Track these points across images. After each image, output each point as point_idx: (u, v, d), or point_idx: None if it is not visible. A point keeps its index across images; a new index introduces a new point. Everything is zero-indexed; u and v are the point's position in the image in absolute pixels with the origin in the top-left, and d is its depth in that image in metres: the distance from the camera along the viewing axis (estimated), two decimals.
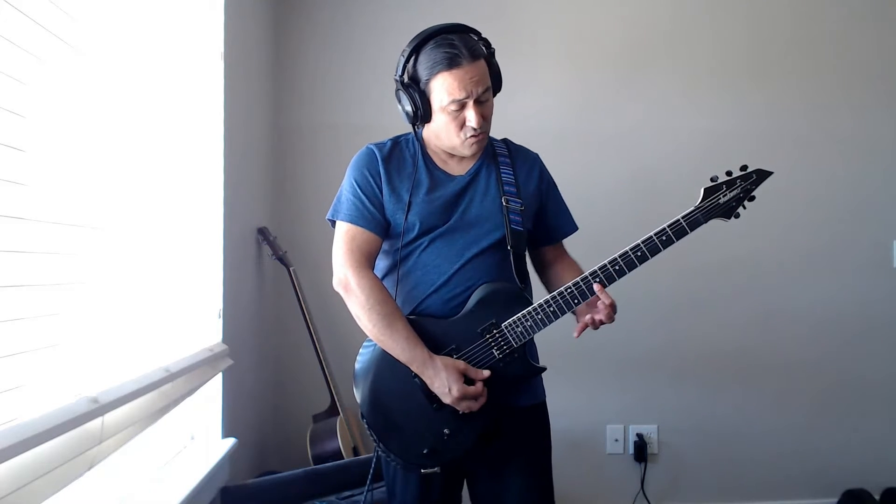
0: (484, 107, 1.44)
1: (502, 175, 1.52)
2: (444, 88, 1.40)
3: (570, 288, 1.42)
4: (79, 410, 1.08)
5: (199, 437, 2.02)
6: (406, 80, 1.45)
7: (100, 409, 1.15)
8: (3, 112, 1.04)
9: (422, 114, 1.44)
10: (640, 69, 2.87)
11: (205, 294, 1.99)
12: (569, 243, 1.70)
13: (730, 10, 2.90)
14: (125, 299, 1.46)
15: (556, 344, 2.76)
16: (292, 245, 2.63)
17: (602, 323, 1.42)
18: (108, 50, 1.39)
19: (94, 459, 1.15)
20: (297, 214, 2.75)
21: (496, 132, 2.68)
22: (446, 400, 1.37)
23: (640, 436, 2.81)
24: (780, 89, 2.89)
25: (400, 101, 1.48)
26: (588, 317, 1.43)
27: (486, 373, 1.40)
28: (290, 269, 2.51)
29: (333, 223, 1.51)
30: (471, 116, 1.42)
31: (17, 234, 1.07)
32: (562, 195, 1.66)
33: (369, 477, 1.53)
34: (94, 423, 1.15)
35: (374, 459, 1.52)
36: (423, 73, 1.42)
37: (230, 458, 2.01)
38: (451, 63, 1.39)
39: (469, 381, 1.39)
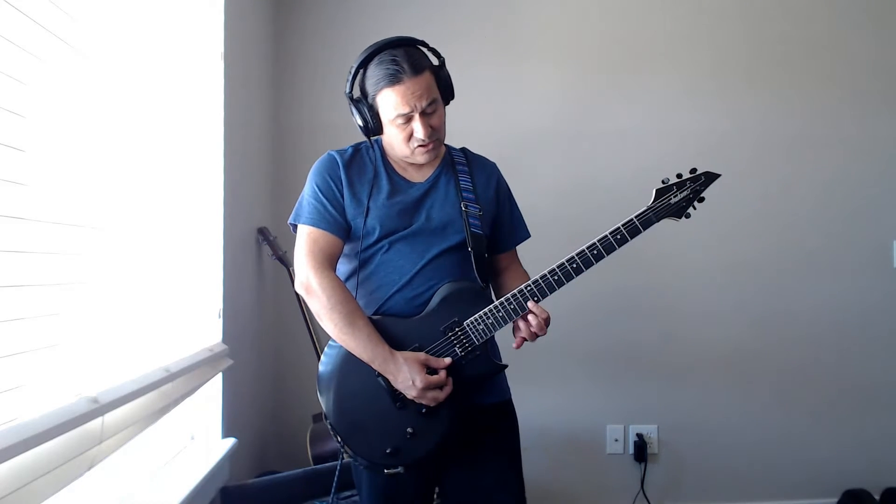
0: (432, 118, 1.47)
1: (461, 182, 1.56)
2: (389, 104, 1.44)
3: (529, 286, 1.46)
4: (79, 410, 1.08)
5: (199, 437, 2.02)
6: (355, 95, 1.49)
7: (100, 409, 1.15)
8: (3, 112, 1.04)
9: (372, 126, 1.48)
10: (639, 71, 2.87)
11: (205, 294, 1.99)
12: (563, 243, 1.68)
13: (728, 12, 2.90)
14: (125, 299, 1.46)
15: (556, 344, 2.77)
16: (292, 245, 2.62)
17: (536, 336, 1.47)
18: (108, 50, 1.39)
19: (94, 459, 1.15)
20: (287, 224, 2.74)
21: (496, 132, 2.69)
22: (411, 394, 1.39)
23: (640, 436, 2.81)
24: (778, 90, 2.89)
25: (353, 115, 1.51)
26: (525, 331, 1.47)
27: (447, 360, 1.42)
28: (290, 269, 2.51)
29: (294, 228, 1.55)
30: (417, 128, 1.45)
31: (17, 234, 1.07)
32: (517, 204, 1.69)
33: (333, 485, 1.56)
34: (94, 423, 1.15)
35: (339, 466, 1.54)
36: (369, 88, 1.46)
37: (230, 458, 2.01)
38: (392, 79, 1.42)
39: (432, 372, 1.41)
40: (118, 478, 1.52)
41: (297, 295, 2.48)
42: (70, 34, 1.23)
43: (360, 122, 1.49)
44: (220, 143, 2.06)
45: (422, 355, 1.42)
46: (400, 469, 1.42)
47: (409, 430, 1.42)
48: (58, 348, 1.18)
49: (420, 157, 1.50)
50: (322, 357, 1.51)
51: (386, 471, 1.43)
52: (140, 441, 1.45)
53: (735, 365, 2.85)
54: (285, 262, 2.51)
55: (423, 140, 1.46)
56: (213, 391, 2.03)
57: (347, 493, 2.02)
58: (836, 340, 2.87)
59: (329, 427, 1.46)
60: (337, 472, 1.54)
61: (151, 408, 1.41)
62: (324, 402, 1.46)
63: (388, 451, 1.42)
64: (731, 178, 2.87)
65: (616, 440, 2.83)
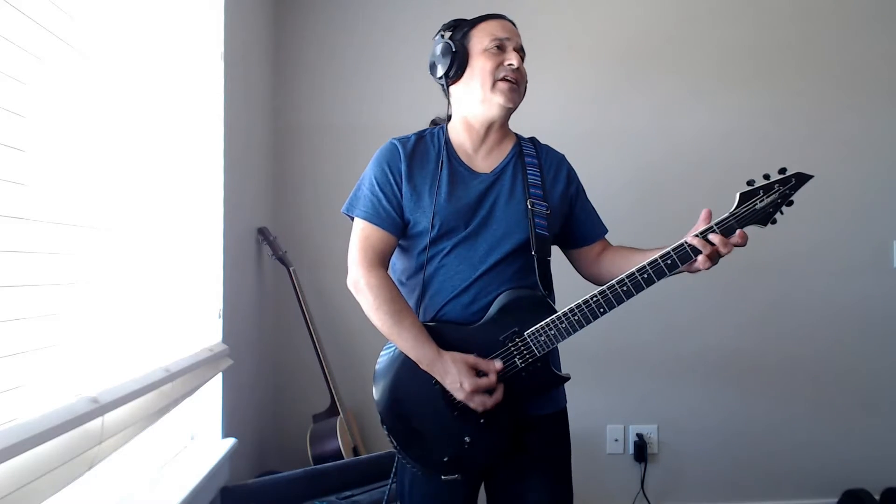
0: (521, 62, 1.45)
1: (529, 176, 1.47)
2: (485, 31, 1.44)
3: (595, 297, 1.37)
4: (79, 410, 1.08)
5: (199, 437, 2.02)
6: (445, 36, 1.47)
7: (100, 409, 1.14)
8: (3, 112, 1.04)
9: (460, 58, 1.43)
10: (644, 69, 2.87)
11: (205, 294, 1.99)
12: None
13: (734, 12, 2.90)
14: (125, 299, 1.46)
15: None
16: (292, 245, 2.63)
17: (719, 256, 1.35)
18: (108, 50, 1.39)
19: (94, 459, 1.15)
20: (297, 214, 2.75)
21: None
22: (459, 396, 1.33)
23: (640, 436, 2.81)
24: (782, 90, 2.89)
25: (435, 59, 1.47)
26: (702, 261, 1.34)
27: (499, 363, 1.35)
28: (290, 269, 2.51)
29: (350, 217, 1.49)
30: (510, 56, 1.42)
31: (17, 234, 1.07)
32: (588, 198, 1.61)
33: (392, 475, 1.52)
34: (94, 423, 1.15)
35: (396, 462, 1.48)
36: (464, 28, 1.46)
37: (230, 458, 2.01)
38: (494, 15, 1.47)
39: (481, 375, 1.35)
40: (118, 478, 1.52)
41: (298, 295, 2.50)
42: (70, 34, 1.23)
43: (446, 56, 1.43)
44: (220, 143, 2.05)
45: (471, 357, 1.35)
46: (458, 476, 1.39)
47: (466, 439, 1.37)
48: (58, 348, 1.18)
49: (501, 97, 1.42)
50: (379, 356, 1.46)
51: (443, 477, 1.39)
52: (140, 441, 1.45)
53: (735, 365, 2.85)
54: (285, 262, 2.51)
55: (515, 67, 1.41)
56: (213, 391, 2.03)
57: (348, 493, 2.02)
58: (837, 340, 2.87)
59: (385, 431, 1.42)
60: (394, 469, 1.50)
61: (151, 408, 1.41)
62: (378, 403, 1.42)
63: (445, 459, 1.38)
64: (731, 177, 2.88)
65: (616, 440, 2.83)
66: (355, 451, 2.44)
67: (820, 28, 2.92)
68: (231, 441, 2.04)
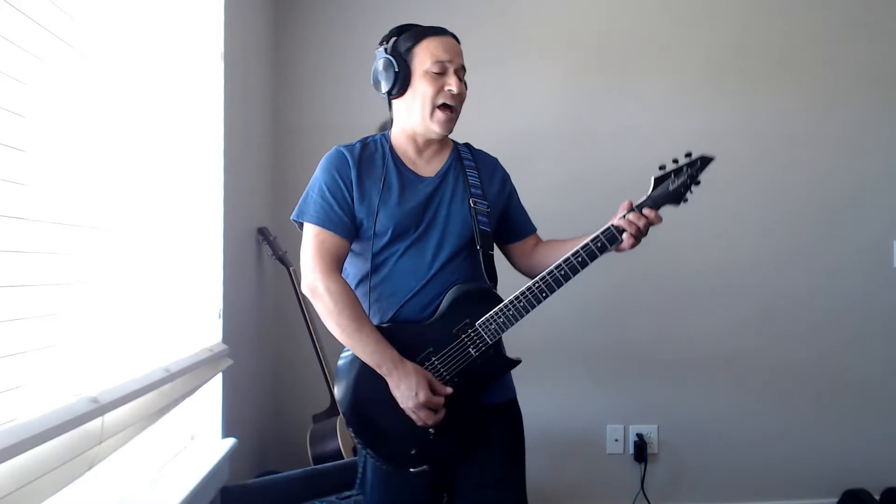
0: (460, 84, 1.48)
1: (469, 177, 1.55)
2: (428, 51, 1.46)
3: (537, 283, 1.45)
4: (79, 410, 1.08)
5: (199, 437, 2.02)
6: (389, 49, 1.50)
7: (100, 409, 1.14)
8: (3, 112, 1.04)
9: (402, 78, 1.46)
10: (637, 69, 2.87)
11: (205, 294, 1.99)
12: None
13: (727, 11, 2.90)
14: (125, 299, 1.46)
15: (556, 344, 2.77)
16: (292, 245, 2.63)
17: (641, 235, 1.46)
18: (108, 50, 1.39)
19: (94, 459, 1.15)
20: (291, 219, 2.74)
21: (496, 130, 2.69)
22: (408, 404, 1.38)
23: (640, 436, 2.81)
24: (778, 89, 2.89)
25: (378, 74, 1.50)
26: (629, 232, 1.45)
27: (449, 389, 1.41)
28: (290, 269, 2.51)
29: (299, 224, 1.52)
30: (451, 82, 1.46)
31: (17, 234, 1.07)
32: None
33: (357, 482, 1.55)
34: (94, 423, 1.15)
35: (363, 464, 1.53)
36: (409, 40, 1.48)
37: (230, 458, 2.01)
38: (438, 31, 1.49)
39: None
40: (118, 478, 1.52)
41: (298, 295, 2.50)
42: (70, 34, 1.23)
43: (389, 74, 1.47)
44: (220, 143, 2.06)
45: (429, 374, 1.41)
46: (426, 467, 1.42)
47: (431, 430, 1.41)
48: (58, 348, 1.18)
49: (437, 125, 1.48)
50: (338, 363, 1.49)
51: (412, 469, 1.42)
52: (140, 441, 1.45)
53: (735, 365, 2.85)
54: (285, 262, 2.51)
55: (454, 93, 1.46)
56: (213, 391, 2.03)
57: (348, 493, 2.02)
58: (836, 340, 2.87)
59: (350, 433, 1.46)
60: (359, 471, 1.53)
61: (151, 408, 1.41)
62: (341, 407, 1.45)
63: (413, 452, 1.42)
64: (730, 177, 2.89)
65: (616, 440, 2.83)
66: (355, 451, 2.44)
67: (816, 28, 2.91)
68: (231, 441, 2.04)
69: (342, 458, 2.30)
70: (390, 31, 1.54)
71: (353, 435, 1.45)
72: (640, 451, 2.79)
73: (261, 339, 2.54)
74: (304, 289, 1.46)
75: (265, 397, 2.62)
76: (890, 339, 2.88)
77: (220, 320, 2.03)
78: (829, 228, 2.88)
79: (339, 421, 2.44)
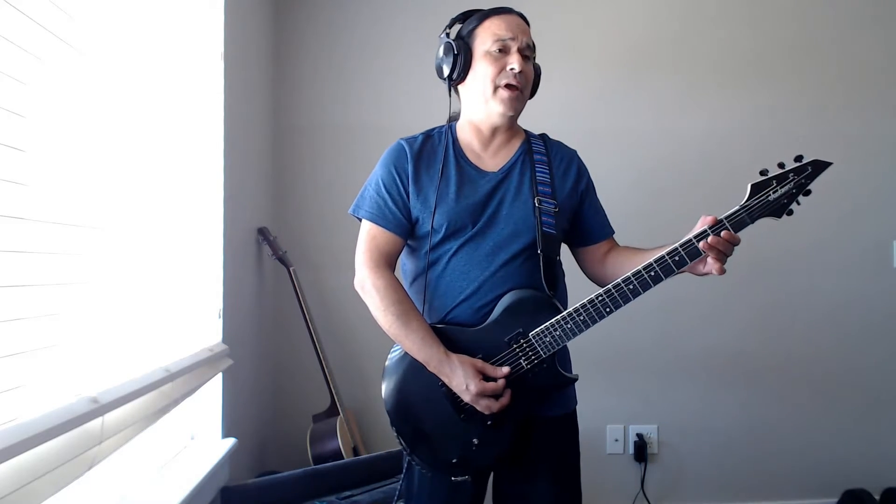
0: (526, 64, 1.40)
1: (537, 173, 1.45)
2: (489, 30, 1.40)
3: (601, 296, 1.34)
4: (79, 410, 1.08)
5: (199, 437, 2.02)
6: (450, 34, 1.45)
7: (100, 409, 1.14)
8: (3, 112, 1.04)
9: (463, 61, 1.41)
10: (644, 70, 2.87)
11: (205, 294, 1.99)
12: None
13: (729, 12, 2.90)
14: (125, 299, 1.46)
15: None
16: (292, 245, 2.63)
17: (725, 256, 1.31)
18: (108, 50, 1.39)
19: (94, 459, 1.15)
20: (297, 214, 2.75)
21: None
22: (465, 398, 1.33)
23: (640, 436, 2.81)
24: (781, 90, 2.89)
25: (439, 60, 1.45)
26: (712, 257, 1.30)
27: (505, 369, 1.34)
28: (290, 269, 2.51)
29: (356, 217, 1.48)
30: (513, 60, 1.37)
31: (17, 234, 1.07)
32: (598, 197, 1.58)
33: (399, 487, 1.53)
34: (94, 423, 1.15)
35: (405, 469, 1.49)
36: (471, 23, 1.43)
37: (230, 458, 2.01)
38: (501, 10, 1.42)
39: (488, 380, 1.34)
40: (118, 478, 1.52)
41: (298, 295, 2.50)
42: (70, 34, 1.23)
43: (448, 58, 1.42)
44: (220, 143, 2.05)
45: (478, 361, 1.34)
46: (467, 477, 1.39)
47: (475, 440, 1.37)
48: (58, 348, 1.18)
49: (500, 105, 1.39)
50: (386, 360, 1.46)
51: (453, 478, 1.39)
52: (140, 441, 1.45)
53: (735, 365, 2.85)
54: (285, 262, 2.51)
55: (516, 72, 1.37)
56: (213, 391, 2.03)
57: (348, 493, 2.02)
58: (837, 340, 2.87)
59: (394, 433, 1.42)
60: (402, 477, 1.51)
61: (151, 408, 1.41)
62: (386, 403, 1.42)
63: (454, 460, 1.38)
64: (730, 177, 2.88)
65: (616, 440, 2.83)
66: (355, 451, 2.44)
67: (820, 28, 2.91)
68: (231, 441, 2.04)
69: (342, 458, 2.30)
70: (453, 19, 1.47)
71: (395, 435, 1.41)
72: (640, 451, 2.79)
73: (261, 339, 2.54)
74: (356, 285, 1.43)
75: (265, 397, 2.62)
76: (890, 339, 2.88)
77: (220, 320, 2.03)
78: (829, 228, 2.88)
79: (339, 421, 2.44)
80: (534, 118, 2.96)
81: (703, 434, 2.84)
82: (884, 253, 2.90)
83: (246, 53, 2.37)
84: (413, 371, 1.39)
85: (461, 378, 1.32)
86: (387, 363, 1.45)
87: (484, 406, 1.33)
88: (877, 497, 2.69)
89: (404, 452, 1.44)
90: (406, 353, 1.40)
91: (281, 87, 2.79)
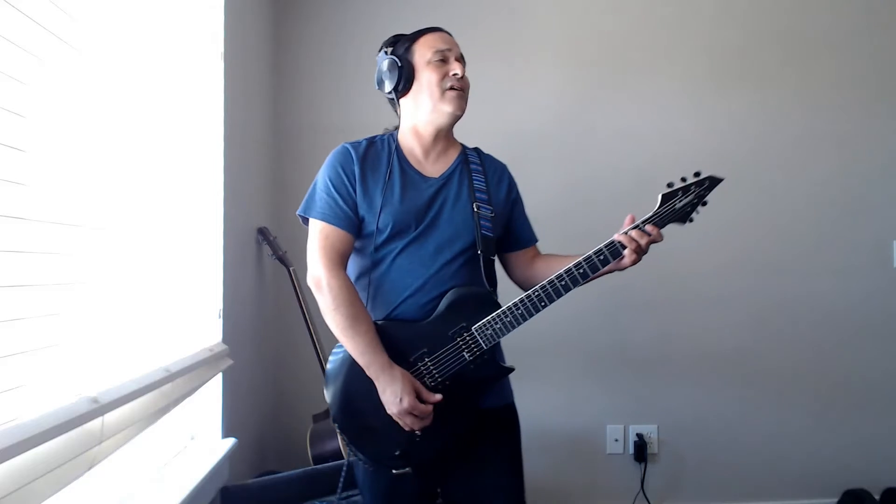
0: (464, 69, 1.52)
1: (474, 181, 1.55)
2: (426, 45, 1.51)
3: (537, 291, 1.45)
4: (79, 410, 1.08)
5: (199, 437, 2.02)
6: (388, 52, 1.54)
7: (100, 409, 1.14)
8: (3, 112, 1.04)
9: (406, 73, 1.50)
10: (638, 70, 2.87)
11: (205, 294, 1.99)
12: (565, 245, 1.70)
13: (727, 12, 2.90)
14: (125, 299, 1.46)
15: (556, 344, 2.77)
16: (292, 245, 2.63)
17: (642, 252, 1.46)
18: (108, 50, 1.39)
19: (94, 459, 1.15)
20: (297, 214, 2.74)
21: (496, 131, 2.68)
22: (392, 410, 1.38)
23: (640, 436, 2.81)
24: (778, 90, 2.89)
25: (382, 75, 1.54)
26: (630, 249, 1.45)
27: (438, 396, 1.41)
28: (290, 269, 2.51)
29: (304, 220, 1.54)
30: (454, 66, 1.50)
31: (17, 234, 1.07)
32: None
33: (339, 485, 1.55)
34: (94, 423, 1.15)
35: (346, 466, 1.53)
36: (403, 45, 1.53)
37: (230, 458, 2.01)
38: (433, 28, 1.56)
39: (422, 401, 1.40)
40: (118, 478, 1.52)
41: (298, 295, 2.50)
42: (70, 34, 1.23)
43: (393, 73, 1.51)
44: (220, 143, 2.06)
45: (417, 382, 1.41)
46: (408, 469, 1.42)
47: (417, 432, 1.41)
48: (58, 348, 1.18)
49: (450, 105, 1.50)
50: (330, 357, 1.50)
51: (394, 471, 1.43)
52: (140, 441, 1.45)
53: (735, 365, 2.85)
54: (285, 262, 2.51)
55: (459, 76, 1.49)
56: (213, 391, 2.03)
57: (348, 493, 2.02)
58: (836, 340, 2.88)
59: (336, 427, 1.46)
60: (343, 473, 1.53)
61: (151, 408, 1.41)
62: (330, 402, 1.46)
63: (396, 453, 1.42)
64: (730, 177, 2.87)
65: (616, 440, 2.83)
66: None
67: (815, 29, 2.92)
68: (231, 441, 2.04)
69: (342, 458, 2.30)
70: (385, 42, 1.57)
71: (338, 431, 1.46)
72: (640, 451, 2.79)
73: (261, 339, 2.54)
74: (309, 282, 1.48)
75: (265, 397, 2.62)
76: (890, 339, 2.88)
77: (220, 320, 2.03)
78: (829, 228, 2.89)
79: None
80: (525, 118, 2.96)
81: (703, 434, 2.84)
82: (884, 253, 2.90)
83: (246, 53, 2.37)
84: (357, 369, 1.42)
85: (398, 390, 1.38)
86: (328, 366, 1.49)
87: (409, 423, 1.39)
88: (877, 497, 2.69)
89: (347, 451, 1.48)
90: (347, 355, 1.44)
91: (281, 87, 2.79)
